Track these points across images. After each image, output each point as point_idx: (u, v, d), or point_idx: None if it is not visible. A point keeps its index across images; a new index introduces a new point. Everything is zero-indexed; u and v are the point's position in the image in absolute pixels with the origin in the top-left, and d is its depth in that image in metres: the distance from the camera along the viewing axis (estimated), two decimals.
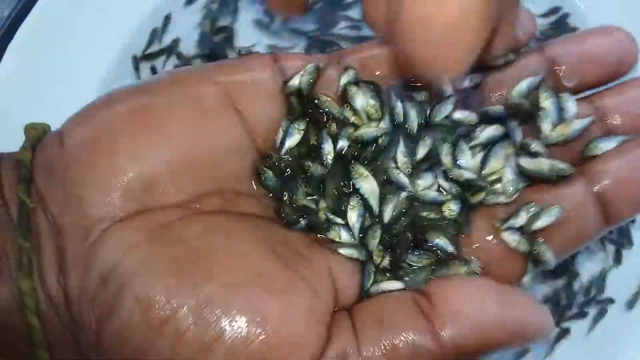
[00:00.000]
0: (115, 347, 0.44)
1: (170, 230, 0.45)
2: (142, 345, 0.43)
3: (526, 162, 0.52)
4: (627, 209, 0.52)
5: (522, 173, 0.52)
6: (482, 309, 0.46)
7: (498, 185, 0.52)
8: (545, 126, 0.54)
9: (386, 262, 0.50)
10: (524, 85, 0.54)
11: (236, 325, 0.42)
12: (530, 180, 0.53)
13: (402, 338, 0.45)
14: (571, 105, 0.52)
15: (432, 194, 0.52)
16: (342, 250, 0.50)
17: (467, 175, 0.52)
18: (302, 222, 0.50)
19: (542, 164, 0.52)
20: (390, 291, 0.49)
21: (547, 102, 0.53)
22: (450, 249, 0.50)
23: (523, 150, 0.53)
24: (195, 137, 0.49)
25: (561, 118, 0.53)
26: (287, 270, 0.45)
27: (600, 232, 0.53)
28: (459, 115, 0.53)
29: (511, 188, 0.52)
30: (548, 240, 0.51)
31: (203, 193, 0.48)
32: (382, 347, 0.45)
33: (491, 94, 0.55)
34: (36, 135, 0.52)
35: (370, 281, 0.49)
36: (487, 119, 0.54)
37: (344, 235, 0.50)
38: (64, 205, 0.47)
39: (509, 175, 0.52)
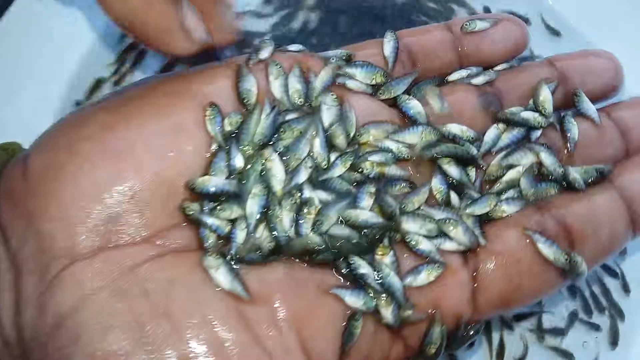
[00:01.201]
0: None
1: (133, 278, 0.41)
2: None
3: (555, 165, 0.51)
4: None
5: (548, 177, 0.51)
6: None
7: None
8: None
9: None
10: (546, 90, 0.53)
11: None
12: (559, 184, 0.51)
13: None
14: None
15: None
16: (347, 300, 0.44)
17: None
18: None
19: (574, 170, 0.51)
20: None
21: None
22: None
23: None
24: (167, 162, 0.44)
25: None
26: (253, 346, 0.41)
27: (629, 239, 0.52)
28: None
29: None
30: (581, 250, 0.49)
31: (173, 224, 0.44)
32: None
33: (507, 96, 0.54)
34: (3, 158, 0.48)
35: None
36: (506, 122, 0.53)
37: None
38: (24, 239, 0.42)
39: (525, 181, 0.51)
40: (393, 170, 0.49)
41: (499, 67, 0.55)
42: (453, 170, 0.50)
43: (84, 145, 0.43)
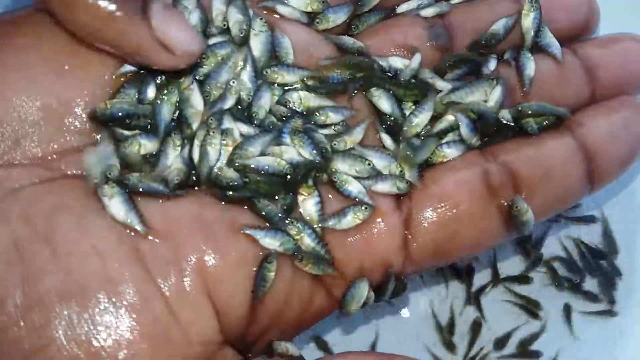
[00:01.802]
0: None
1: (15, 199, 0.38)
2: None
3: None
4: (614, 167, 0.48)
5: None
6: None
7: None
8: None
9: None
10: (500, 24, 0.49)
11: (67, 339, 0.35)
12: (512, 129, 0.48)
13: None
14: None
15: None
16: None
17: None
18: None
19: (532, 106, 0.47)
20: None
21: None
22: None
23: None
24: (64, 79, 0.40)
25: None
26: (144, 283, 0.38)
27: (584, 193, 0.48)
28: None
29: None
30: (529, 198, 0.45)
31: (70, 148, 0.40)
32: None
33: (460, 30, 0.50)
34: None
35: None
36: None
37: None
38: None
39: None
40: (323, 102, 0.45)
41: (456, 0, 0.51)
42: (384, 103, 0.46)
43: None
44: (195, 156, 0.41)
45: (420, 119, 0.45)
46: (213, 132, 0.42)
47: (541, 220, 0.47)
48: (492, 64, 0.48)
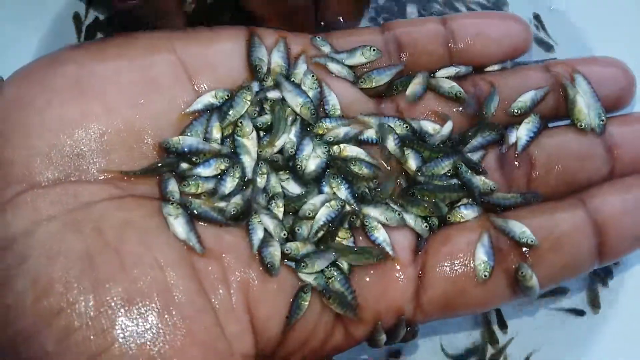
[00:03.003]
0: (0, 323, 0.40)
1: (89, 212, 0.42)
2: (26, 331, 0.39)
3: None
4: (624, 244, 0.49)
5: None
6: None
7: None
8: None
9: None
10: (528, 96, 0.52)
11: (129, 341, 0.39)
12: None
13: None
14: None
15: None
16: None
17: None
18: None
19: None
20: None
21: None
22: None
23: None
24: (138, 111, 0.45)
25: None
26: (198, 296, 0.42)
27: (593, 266, 0.50)
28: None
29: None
30: (536, 265, 0.47)
31: (139, 170, 0.45)
32: None
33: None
34: None
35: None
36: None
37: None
38: None
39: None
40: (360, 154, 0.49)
41: (490, 68, 0.54)
42: (412, 162, 0.50)
43: (56, 81, 0.44)
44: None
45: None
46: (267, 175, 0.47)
47: (547, 287, 0.49)
48: (514, 136, 0.51)
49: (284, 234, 0.46)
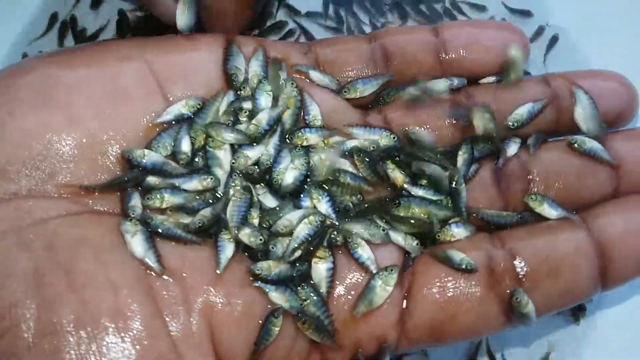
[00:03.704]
0: None
1: (42, 229, 0.39)
2: None
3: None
4: (630, 267, 0.45)
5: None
6: None
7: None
8: None
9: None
10: (524, 109, 0.50)
11: None
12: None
13: None
14: None
15: None
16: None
17: None
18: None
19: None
20: None
21: None
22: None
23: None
24: (103, 122, 0.43)
25: None
26: (153, 320, 0.39)
27: (596, 292, 0.46)
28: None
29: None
30: (532, 290, 0.44)
31: (99, 185, 0.42)
32: None
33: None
34: None
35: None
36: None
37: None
38: None
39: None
40: (343, 166, 0.47)
41: (485, 80, 0.51)
42: (398, 176, 0.47)
43: (20, 92, 0.42)
44: (228, 212, 0.43)
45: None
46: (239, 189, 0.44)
47: (546, 314, 0.45)
48: (513, 148, 0.48)
49: (260, 239, 0.42)
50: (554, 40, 0.65)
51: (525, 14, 0.66)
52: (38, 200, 0.40)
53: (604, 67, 0.53)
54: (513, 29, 0.51)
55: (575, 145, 0.48)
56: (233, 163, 0.45)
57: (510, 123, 0.49)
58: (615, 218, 0.46)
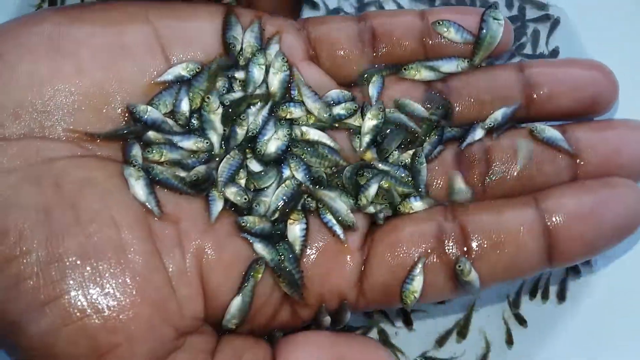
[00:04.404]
0: None
1: (50, 168, 0.43)
2: None
3: None
4: (576, 249, 0.48)
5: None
6: None
7: None
8: None
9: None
10: (499, 113, 0.52)
11: (79, 294, 0.40)
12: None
13: None
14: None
15: None
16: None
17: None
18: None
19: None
20: None
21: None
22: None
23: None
24: (108, 74, 0.46)
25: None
26: (152, 256, 0.43)
27: (539, 269, 0.49)
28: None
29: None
30: (477, 262, 0.47)
31: (103, 134, 0.46)
32: None
33: (458, 96, 0.53)
34: None
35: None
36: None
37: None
38: None
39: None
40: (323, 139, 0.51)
41: (455, 66, 0.53)
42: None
43: (30, 39, 0.45)
44: (219, 169, 0.47)
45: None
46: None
47: (491, 285, 0.48)
48: (478, 134, 0.52)
49: (245, 199, 0.47)
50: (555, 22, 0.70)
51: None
52: (46, 141, 0.43)
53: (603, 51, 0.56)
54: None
55: (534, 133, 0.51)
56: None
57: (486, 125, 0.52)
58: (566, 200, 0.48)
